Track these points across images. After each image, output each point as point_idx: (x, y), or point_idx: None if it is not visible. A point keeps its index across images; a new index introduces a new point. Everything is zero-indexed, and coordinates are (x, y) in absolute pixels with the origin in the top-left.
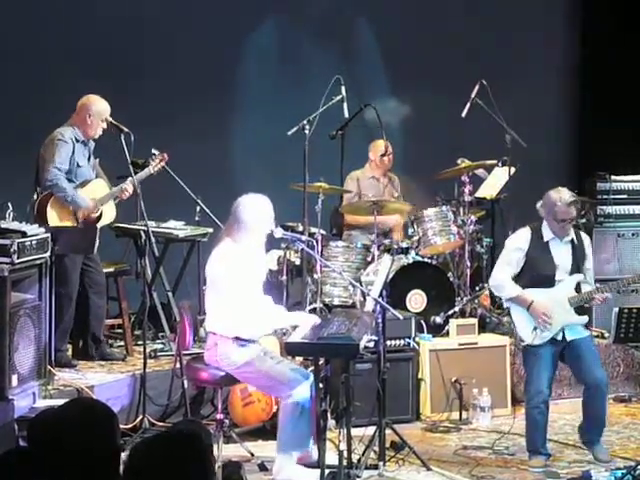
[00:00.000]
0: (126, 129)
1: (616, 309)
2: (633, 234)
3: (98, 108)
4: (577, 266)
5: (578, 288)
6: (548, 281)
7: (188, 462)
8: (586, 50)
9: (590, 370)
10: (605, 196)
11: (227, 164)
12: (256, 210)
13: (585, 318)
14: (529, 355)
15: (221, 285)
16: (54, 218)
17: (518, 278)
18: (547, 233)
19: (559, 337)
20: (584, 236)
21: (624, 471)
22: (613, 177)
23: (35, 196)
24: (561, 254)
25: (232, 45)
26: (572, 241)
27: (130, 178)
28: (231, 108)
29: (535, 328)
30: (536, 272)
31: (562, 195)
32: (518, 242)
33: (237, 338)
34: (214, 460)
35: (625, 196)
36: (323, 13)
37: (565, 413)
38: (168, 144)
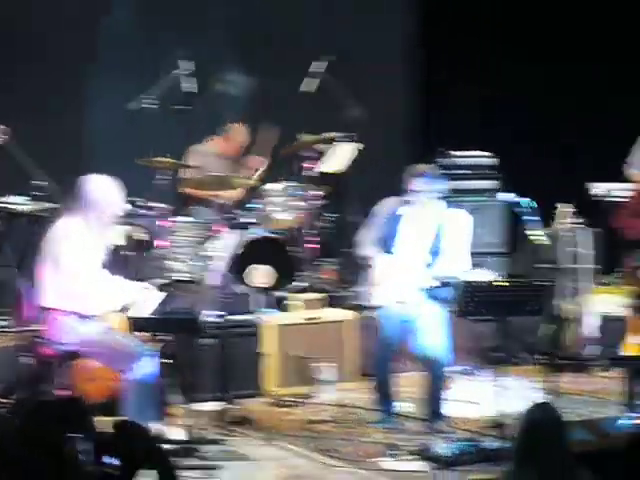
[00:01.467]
0: None
1: (458, 283)
2: (475, 209)
3: None
4: (429, 241)
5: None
6: (397, 251)
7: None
8: (427, 32)
9: (423, 347)
10: (447, 171)
11: (73, 139)
12: (106, 192)
13: (422, 294)
14: (379, 318)
15: (64, 261)
16: None
17: (378, 243)
18: (405, 205)
19: (405, 306)
20: (456, 213)
21: (465, 443)
22: (455, 152)
23: None
24: (413, 227)
25: (84, 23)
26: (432, 216)
27: None
28: (77, 82)
29: (379, 291)
30: (388, 240)
31: (418, 168)
32: (379, 209)
33: (79, 313)
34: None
35: (468, 171)
36: None
37: (406, 386)
38: (15, 118)
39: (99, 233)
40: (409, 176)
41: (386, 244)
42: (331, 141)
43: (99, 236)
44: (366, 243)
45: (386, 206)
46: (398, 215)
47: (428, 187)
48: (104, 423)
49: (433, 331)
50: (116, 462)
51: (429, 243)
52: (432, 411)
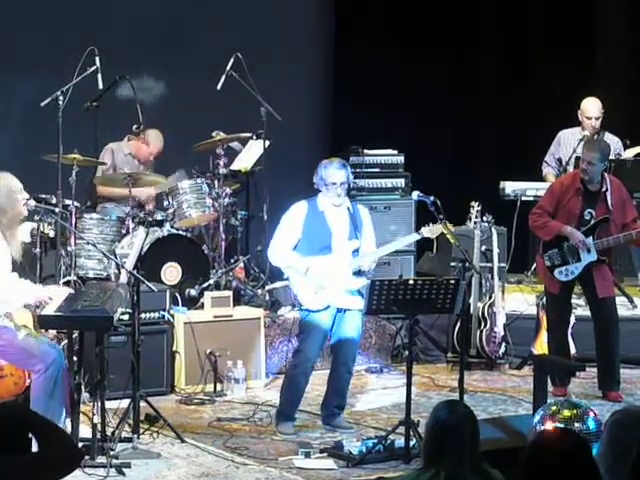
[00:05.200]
0: None
1: (368, 281)
2: (385, 207)
3: None
4: (355, 232)
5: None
6: (326, 248)
7: None
8: (339, 34)
9: (345, 345)
10: (358, 169)
11: None
12: (6, 190)
13: (363, 280)
14: (306, 321)
15: None
16: None
17: (298, 247)
18: (322, 203)
19: (337, 304)
20: (360, 207)
21: (375, 441)
22: (366, 151)
23: None
24: (337, 222)
25: None
26: (348, 209)
27: None
28: None
29: (315, 292)
30: (313, 241)
31: (332, 160)
32: (293, 215)
33: None
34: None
35: (377, 170)
36: None
37: (318, 384)
38: None
39: (6, 233)
40: (329, 169)
41: (315, 245)
42: (246, 139)
43: (7, 237)
44: (285, 251)
45: (298, 211)
46: (321, 212)
47: (347, 179)
48: None
49: (358, 326)
50: None
51: (354, 234)
52: (335, 412)
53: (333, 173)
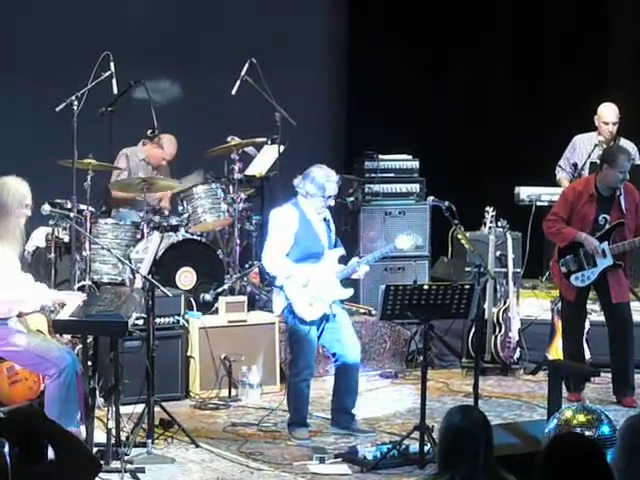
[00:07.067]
0: None
1: (383, 286)
2: (400, 212)
3: None
4: (332, 240)
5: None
6: (316, 257)
7: None
8: (353, 38)
9: (350, 342)
10: (373, 175)
11: None
12: (14, 193)
13: (351, 290)
14: (300, 331)
15: None
16: None
17: (288, 255)
18: (308, 210)
19: (329, 311)
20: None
21: (390, 446)
22: (381, 156)
23: None
24: (322, 230)
25: (4, 24)
26: (324, 218)
27: None
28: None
29: (311, 304)
30: (305, 249)
31: (330, 172)
32: (286, 222)
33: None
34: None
35: (392, 175)
36: None
37: (331, 389)
38: None
39: (10, 235)
40: (332, 182)
41: (306, 253)
42: (261, 144)
43: (11, 238)
44: (284, 261)
45: (292, 217)
46: (309, 219)
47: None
48: None
49: (351, 328)
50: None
51: (334, 243)
52: (350, 410)
53: (334, 187)
